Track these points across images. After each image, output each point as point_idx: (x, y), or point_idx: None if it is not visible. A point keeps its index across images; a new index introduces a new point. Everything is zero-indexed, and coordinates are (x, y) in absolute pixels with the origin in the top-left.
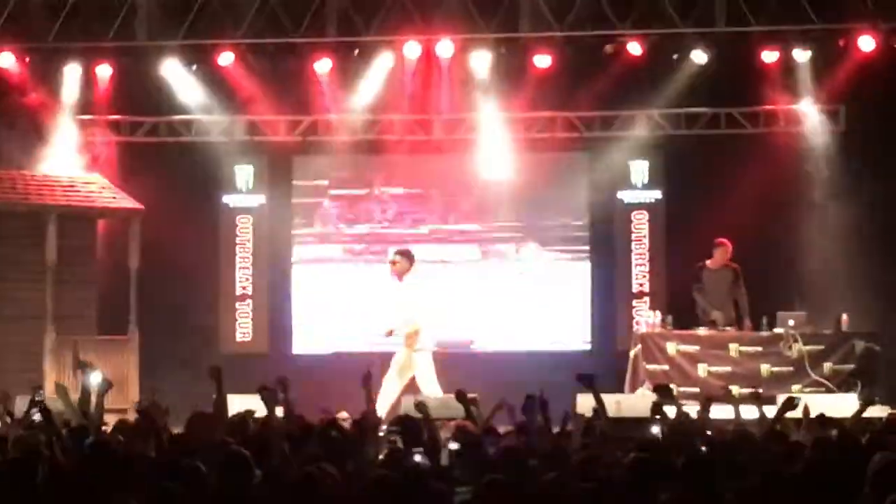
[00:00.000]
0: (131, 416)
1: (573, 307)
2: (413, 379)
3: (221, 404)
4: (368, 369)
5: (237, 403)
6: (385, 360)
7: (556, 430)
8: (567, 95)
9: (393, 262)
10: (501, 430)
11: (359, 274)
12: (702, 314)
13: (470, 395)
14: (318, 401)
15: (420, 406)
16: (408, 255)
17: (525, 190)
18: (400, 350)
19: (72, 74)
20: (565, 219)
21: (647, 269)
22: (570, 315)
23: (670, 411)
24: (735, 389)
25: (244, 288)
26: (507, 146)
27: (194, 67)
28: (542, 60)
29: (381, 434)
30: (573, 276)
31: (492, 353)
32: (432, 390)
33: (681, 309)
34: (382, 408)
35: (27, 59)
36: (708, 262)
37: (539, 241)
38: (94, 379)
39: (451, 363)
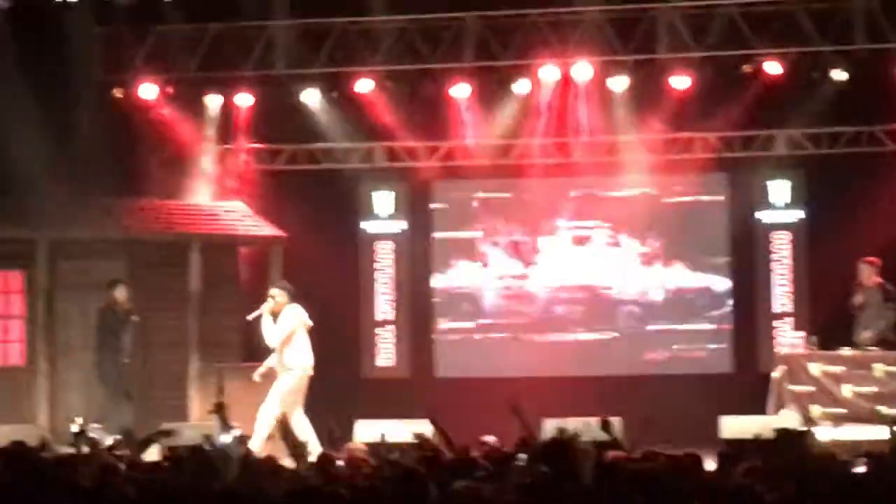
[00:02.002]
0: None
1: (714, 329)
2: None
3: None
4: (513, 398)
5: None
6: (526, 385)
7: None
8: (705, 116)
9: (272, 297)
10: None
11: (500, 297)
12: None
13: (612, 418)
14: (462, 425)
15: (564, 430)
16: (288, 291)
17: (664, 211)
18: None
19: (213, 104)
20: (705, 239)
21: (788, 289)
22: (712, 337)
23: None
24: (882, 410)
25: (385, 313)
26: (646, 168)
27: (333, 95)
28: (680, 81)
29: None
30: (714, 298)
31: (635, 377)
32: (266, 410)
33: (825, 329)
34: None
35: (169, 90)
36: (859, 280)
37: (681, 262)
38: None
39: (591, 386)
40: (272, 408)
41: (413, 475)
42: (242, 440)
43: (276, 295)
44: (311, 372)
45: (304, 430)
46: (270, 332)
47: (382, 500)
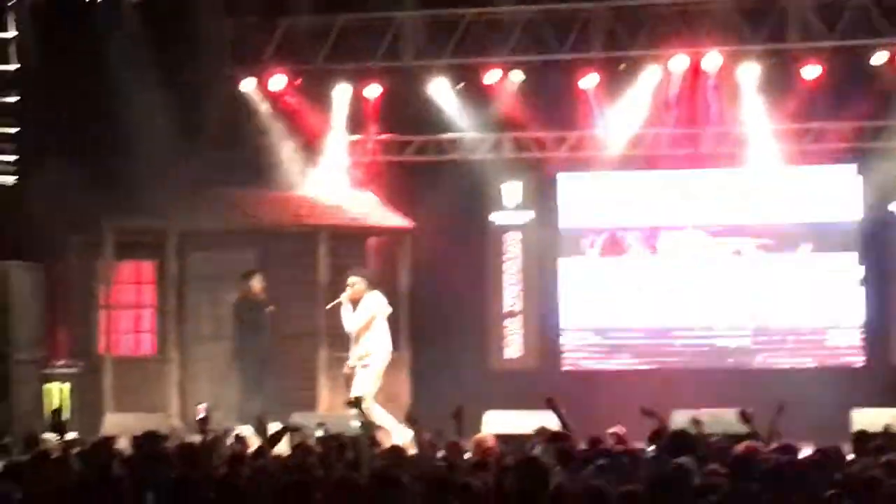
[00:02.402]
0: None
1: (846, 320)
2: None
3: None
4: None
5: (506, 418)
6: (654, 377)
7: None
8: (837, 106)
9: (350, 284)
10: None
11: (628, 288)
12: None
13: (748, 410)
14: (589, 417)
15: (696, 422)
16: (368, 278)
17: (794, 202)
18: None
19: (341, 95)
20: (835, 230)
21: None
22: (843, 328)
23: None
24: None
25: (513, 304)
26: (777, 158)
27: (461, 86)
28: (812, 71)
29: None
30: (845, 289)
31: (765, 369)
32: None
33: None
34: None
35: (298, 82)
36: None
37: (812, 251)
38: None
39: (725, 378)
40: (363, 389)
41: (535, 464)
42: (372, 430)
43: (355, 282)
44: (388, 359)
45: (380, 415)
46: (350, 320)
47: (505, 488)
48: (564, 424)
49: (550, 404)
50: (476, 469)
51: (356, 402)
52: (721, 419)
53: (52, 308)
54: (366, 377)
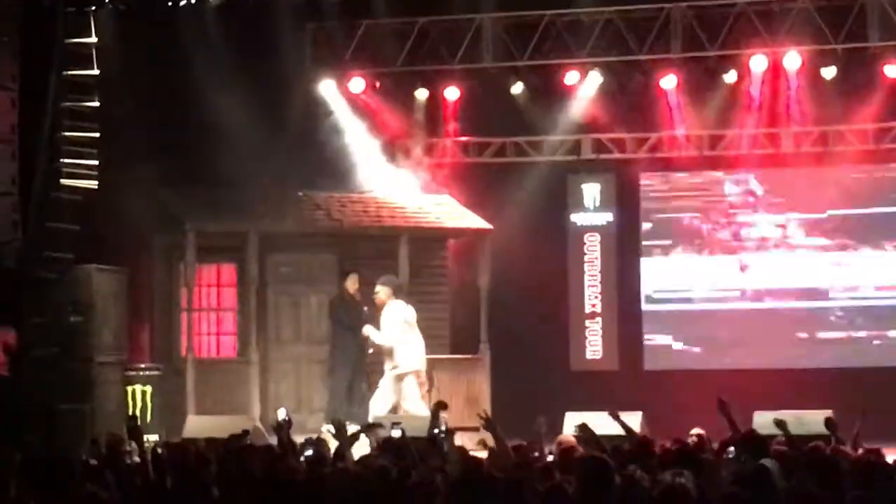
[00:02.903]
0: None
1: None
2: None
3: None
4: (720, 398)
5: (587, 419)
6: (736, 378)
7: None
8: None
9: (376, 293)
10: None
11: (710, 289)
12: None
13: (828, 414)
14: (670, 418)
15: (779, 423)
16: (392, 286)
17: (876, 200)
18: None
19: (421, 97)
20: None
21: None
22: None
23: None
24: None
25: (593, 305)
26: (858, 157)
27: (540, 87)
28: (893, 70)
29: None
30: None
31: (849, 369)
32: (412, 408)
33: None
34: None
35: (377, 84)
36: None
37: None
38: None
39: (804, 381)
40: (418, 406)
41: (598, 463)
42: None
43: (380, 291)
44: (420, 368)
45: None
46: (376, 335)
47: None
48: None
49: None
50: (556, 470)
51: (439, 408)
52: (804, 421)
53: (134, 311)
54: (406, 386)
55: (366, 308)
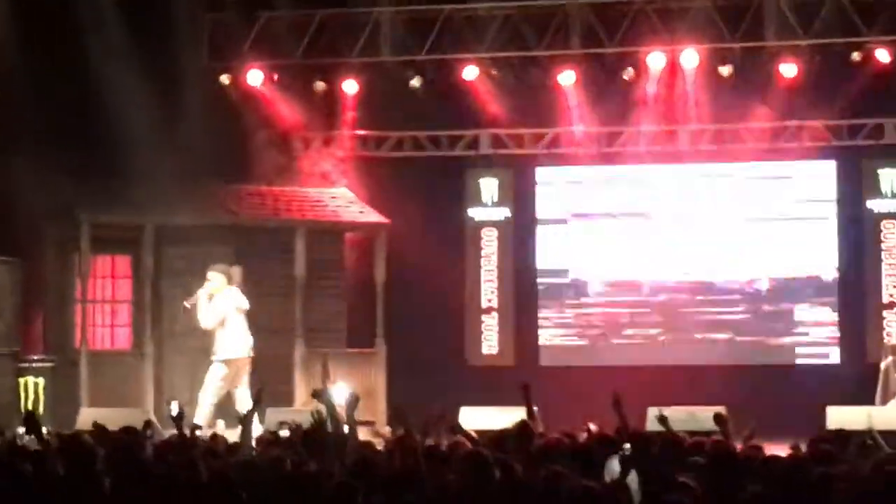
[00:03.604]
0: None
1: (821, 318)
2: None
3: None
4: (615, 393)
5: (482, 414)
6: (629, 374)
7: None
8: (814, 104)
9: (208, 280)
10: None
11: (603, 284)
12: None
13: (718, 410)
14: (565, 413)
15: (662, 419)
16: (225, 274)
17: (771, 199)
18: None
19: (318, 90)
20: (811, 228)
21: None
22: (819, 326)
23: None
24: None
25: (490, 300)
26: (752, 155)
27: (438, 82)
28: (789, 69)
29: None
30: (822, 287)
31: (739, 366)
32: (204, 399)
33: None
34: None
35: (275, 77)
36: None
37: (787, 250)
38: (341, 393)
39: (696, 375)
40: (209, 395)
41: (478, 458)
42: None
43: (213, 278)
44: (250, 354)
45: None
46: (204, 315)
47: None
48: (530, 412)
49: (524, 391)
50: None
51: (318, 394)
52: (697, 418)
53: (27, 302)
54: (219, 377)
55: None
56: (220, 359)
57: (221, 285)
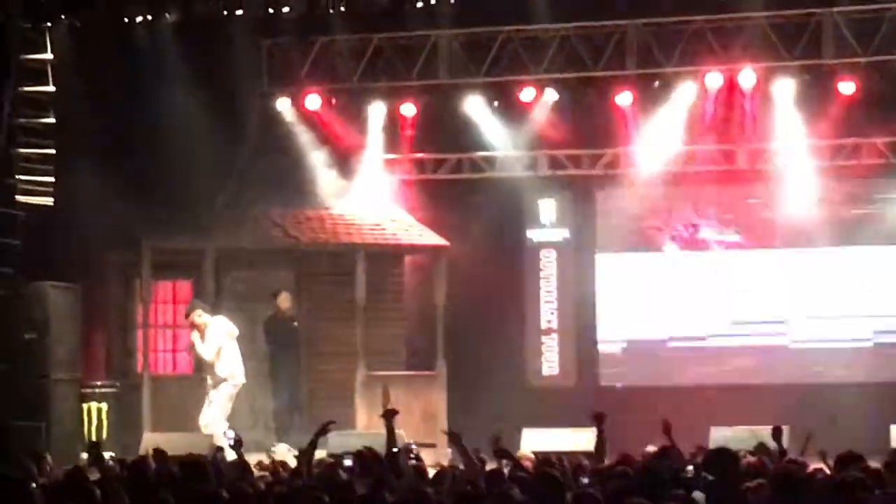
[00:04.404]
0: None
1: (888, 334)
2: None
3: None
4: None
5: (544, 436)
6: (693, 394)
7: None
8: (873, 121)
9: (192, 321)
10: None
11: (665, 305)
12: None
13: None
14: (623, 434)
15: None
16: (203, 308)
17: (832, 217)
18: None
19: (376, 114)
20: (875, 246)
21: None
22: (885, 343)
23: None
24: None
25: (549, 322)
26: (813, 173)
27: (496, 104)
28: (847, 87)
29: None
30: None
31: (805, 385)
32: (218, 422)
33: None
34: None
35: (333, 101)
36: None
37: (851, 267)
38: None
39: (761, 394)
40: (219, 421)
41: (548, 478)
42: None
43: (195, 316)
44: (242, 380)
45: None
46: (202, 350)
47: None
48: (601, 442)
49: (598, 420)
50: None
51: (389, 415)
52: (756, 436)
53: (89, 328)
54: (217, 401)
55: (296, 323)
56: (231, 381)
57: (207, 318)
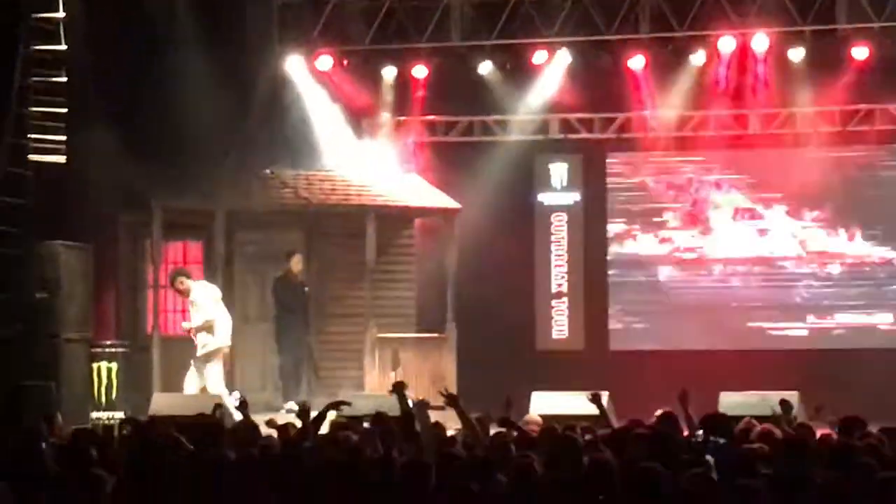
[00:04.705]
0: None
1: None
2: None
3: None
4: (683, 389)
5: (553, 399)
6: (701, 359)
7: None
8: (886, 87)
9: (178, 290)
10: None
11: (675, 269)
12: None
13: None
14: (634, 398)
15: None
16: (185, 274)
17: (843, 183)
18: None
19: (388, 76)
20: (885, 212)
21: None
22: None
23: None
24: None
25: (560, 285)
26: (825, 139)
27: (508, 66)
28: (860, 52)
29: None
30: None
31: (815, 350)
32: (214, 391)
33: None
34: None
35: (345, 62)
36: None
37: (861, 234)
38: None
39: (771, 359)
40: (221, 386)
41: (569, 443)
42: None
43: (179, 283)
44: (229, 342)
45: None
46: (195, 317)
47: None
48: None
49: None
50: (522, 447)
51: (398, 387)
52: (766, 402)
53: (100, 288)
54: (211, 367)
55: (307, 288)
56: (214, 348)
57: (190, 283)
